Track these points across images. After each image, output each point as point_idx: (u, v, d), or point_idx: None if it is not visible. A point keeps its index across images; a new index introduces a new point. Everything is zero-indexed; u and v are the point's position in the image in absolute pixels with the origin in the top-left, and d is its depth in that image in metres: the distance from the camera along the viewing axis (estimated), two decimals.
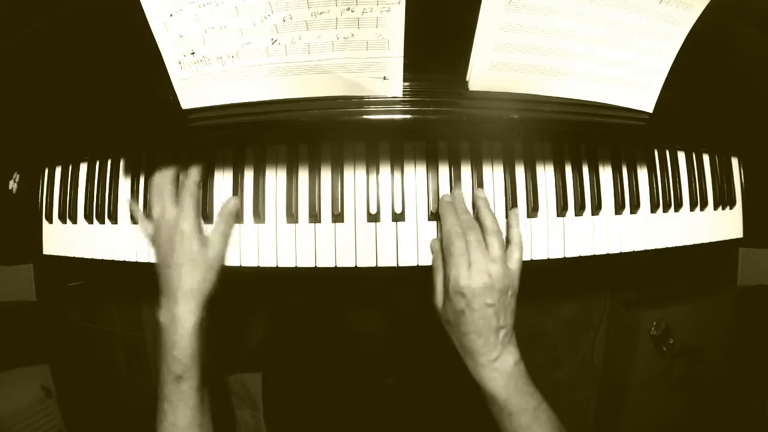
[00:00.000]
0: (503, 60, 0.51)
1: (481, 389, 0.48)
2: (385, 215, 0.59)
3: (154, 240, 0.55)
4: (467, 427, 0.76)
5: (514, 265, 0.51)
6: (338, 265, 0.58)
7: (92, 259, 0.63)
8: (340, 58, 0.49)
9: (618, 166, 0.64)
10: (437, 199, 0.59)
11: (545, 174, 0.62)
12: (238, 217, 0.59)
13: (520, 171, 0.61)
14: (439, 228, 0.59)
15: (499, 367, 0.47)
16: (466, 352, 0.49)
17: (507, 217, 0.58)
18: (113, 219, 0.62)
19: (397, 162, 0.59)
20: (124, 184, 0.63)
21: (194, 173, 0.56)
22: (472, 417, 0.78)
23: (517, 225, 0.55)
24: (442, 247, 0.52)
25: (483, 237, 0.51)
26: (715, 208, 0.68)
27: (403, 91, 0.52)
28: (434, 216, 0.59)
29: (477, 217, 0.54)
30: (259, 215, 0.59)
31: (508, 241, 0.54)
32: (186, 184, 0.55)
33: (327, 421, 0.86)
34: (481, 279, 0.47)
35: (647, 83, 0.56)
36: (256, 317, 1.17)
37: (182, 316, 0.50)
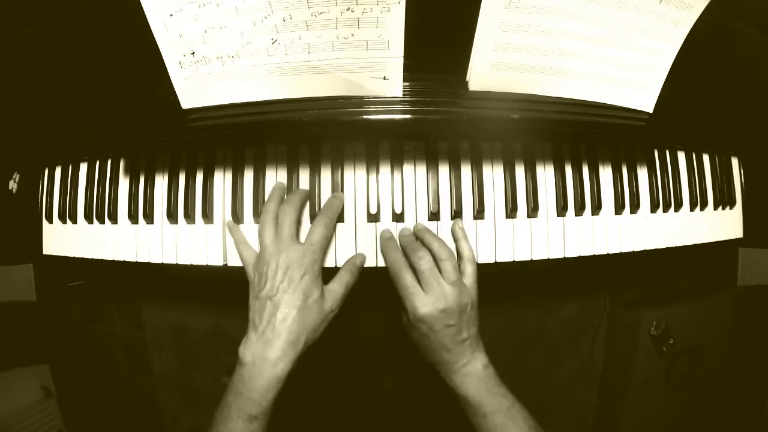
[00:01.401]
0: (503, 60, 0.51)
1: (456, 393, 0.50)
2: (385, 215, 0.59)
3: (257, 267, 0.51)
4: (466, 428, 0.76)
5: (469, 279, 0.52)
6: (338, 266, 0.58)
7: (92, 259, 0.63)
8: (340, 58, 0.49)
9: (618, 166, 0.64)
10: (437, 200, 0.59)
11: (545, 174, 0.62)
12: (237, 217, 0.59)
13: (520, 171, 0.61)
14: (439, 228, 0.59)
15: (469, 371, 0.49)
16: (437, 363, 0.51)
17: (453, 229, 0.56)
18: (113, 219, 0.62)
19: (397, 162, 0.59)
20: (124, 184, 0.63)
21: (328, 214, 0.53)
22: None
23: (464, 238, 0.54)
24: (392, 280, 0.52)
25: (435, 263, 0.51)
26: (715, 208, 0.68)
27: (403, 91, 0.52)
28: (434, 216, 0.59)
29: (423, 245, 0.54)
30: (259, 215, 0.59)
31: (459, 257, 0.54)
32: (322, 222, 0.52)
33: (326, 421, 0.86)
34: (438, 305, 0.48)
35: (647, 83, 0.56)
36: None
37: (277, 364, 0.47)
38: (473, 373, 0.49)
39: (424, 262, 0.49)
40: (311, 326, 0.49)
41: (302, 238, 0.55)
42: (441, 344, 0.49)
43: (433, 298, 0.48)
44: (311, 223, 0.56)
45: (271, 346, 0.47)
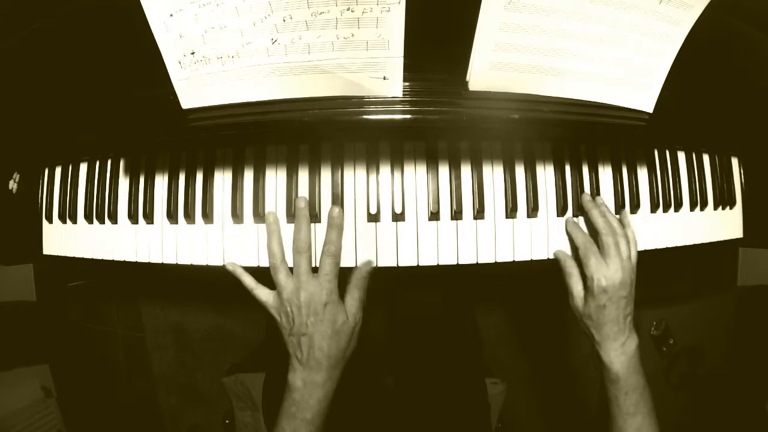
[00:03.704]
0: (503, 60, 0.51)
1: (608, 371, 0.55)
2: (385, 215, 0.59)
3: (280, 309, 0.54)
4: (467, 428, 0.76)
5: (634, 260, 0.57)
6: (340, 265, 0.58)
7: (92, 259, 0.63)
8: (340, 58, 0.49)
9: (618, 166, 0.64)
10: (437, 200, 0.59)
11: (545, 174, 0.62)
12: (237, 217, 0.59)
13: (520, 171, 0.61)
14: (439, 228, 0.59)
15: (625, 350, 0.54)
16: (603, 339, 0.55)
17: (620, 217, 0.61)
18: (113, 219, 0.62)
19: (397, 162, 0.59)
20: (124, 184, 0.63)
21: (333, 240, 0.54)
22: (470, 417, 0.78)
23: (630, 224, 0.60)
24: (579, 254, 0.56)
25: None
26: (715, 208, 0.68)
27: (403, 91, 0.52)
28: (434, 216, 0.59)
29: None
30: (259, 215, 0.59)
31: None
32: (330, 252, 0.54)
33: (326, 421, 0.86)
34: (617, 276, 0.53)
35: (647, 83, 0.56)
36: (256, 317, 1.17)
37: (324, 384, 0.52)
38: (628, 352, 0.54)
39: (612, 238, 0.55)
40: (345, 345, 0.53)
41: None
42: (612, 316, 0.54)
43: (614, 268, 0.54)
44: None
45: (317, 371, 0.52)
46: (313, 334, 0.52)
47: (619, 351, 0.54)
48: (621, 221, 0.60)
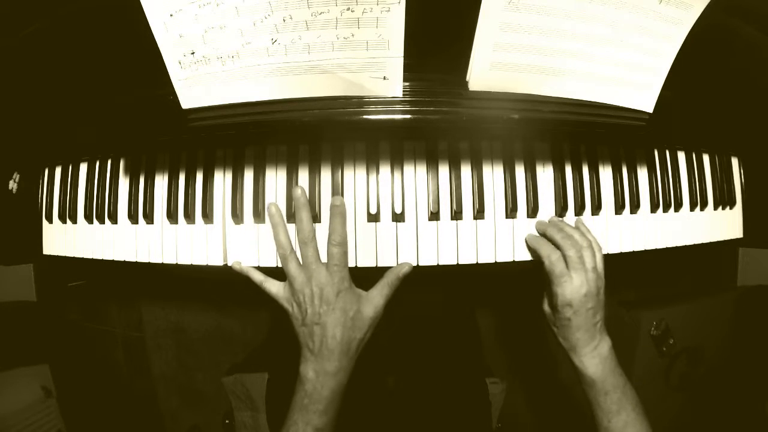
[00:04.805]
0: (503, 60, 0.51)
1: (583, 375, 0.54)
2: (385, 215, 0.59)
3: (291, 299, 0.53)
4: (467, 427, 0.76)
5: (600, 268, 0.56)
6: None
7: (92, 259, 0.63)
8: (340, 58, 0.49)
9: (618, 166, 0.64)
10: (437, 200, 0.59)
11: (545, 174, 0.62)
12: (237, 217, 0.59)
13: (520, 171, 0.61)
14: (439, 228, 0.59)
15: (598, 353, 0.54)
16: (571, 346, 0.55)
17: (576, 225, 0.60)
18: (113, 219, 0.62)
19: (397, 162, 0.59)
20: (124, 184, 0.63)
21: (338, 230, 0.53)
22: (471, 417, 0.78)
23: (588, 231, 0.59)
24: (544, 269, 0.55)
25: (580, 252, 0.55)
26: (715, 208, 0.68)
27: (403, 91, 0.52)
28: (434, 216, 0.59)
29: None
30: (259, 215, 0.59)
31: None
32: (336, 241, 0.53)
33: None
34: (582, 290, 0.53)
35: (647, 83, 0.56)
36: (258, 317, 1.17)
37: (337, 374, 0.51)
38: (601, 354, 0.54)
39: (574, 251, 0.54)
40: (359, 335, 0.53)
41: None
42: (579, 326, 0.53)
43: (579, 282, 0.53)
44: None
45: (329, 360, 0.51)
46: (326, 322, 0.51)
47: (590, 355, 0.53)
48: (579, 229, 0.58)
